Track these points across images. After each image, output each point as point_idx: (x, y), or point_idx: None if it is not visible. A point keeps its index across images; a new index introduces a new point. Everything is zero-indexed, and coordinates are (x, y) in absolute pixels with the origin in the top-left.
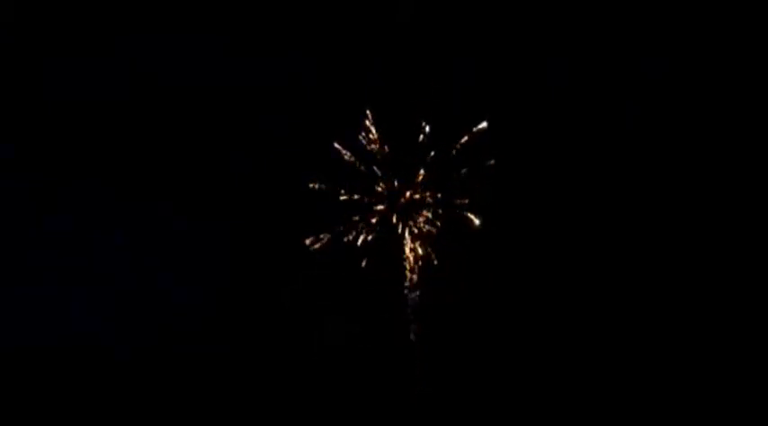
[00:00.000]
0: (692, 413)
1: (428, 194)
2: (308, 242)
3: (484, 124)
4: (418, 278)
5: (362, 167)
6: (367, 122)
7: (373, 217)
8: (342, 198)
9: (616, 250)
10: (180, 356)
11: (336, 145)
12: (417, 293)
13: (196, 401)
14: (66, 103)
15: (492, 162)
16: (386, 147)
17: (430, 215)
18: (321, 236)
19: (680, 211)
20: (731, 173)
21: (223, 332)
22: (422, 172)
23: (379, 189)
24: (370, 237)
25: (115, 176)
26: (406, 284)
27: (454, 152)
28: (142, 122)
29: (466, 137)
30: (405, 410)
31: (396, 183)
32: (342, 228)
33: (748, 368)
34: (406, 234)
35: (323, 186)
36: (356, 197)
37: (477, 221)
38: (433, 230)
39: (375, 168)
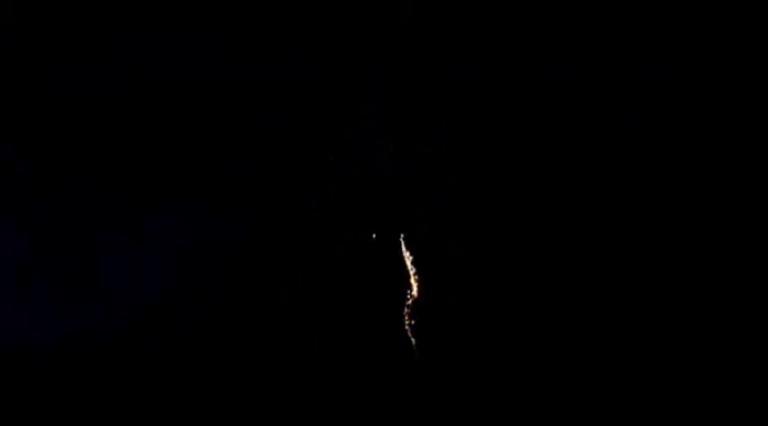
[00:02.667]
0: (692, 413)
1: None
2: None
3: None
4: (418, 277)
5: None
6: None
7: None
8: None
9: (617, 250)
10: (180, 356)
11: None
12: (417, 294)
13: (196, 401)
14: (66, 103)
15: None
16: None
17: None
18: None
19: (680, 211)
20: (732, 173)
21: (223, 332)
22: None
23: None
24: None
25: (115, 176)
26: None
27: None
28: (142, 122)
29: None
30: (405, 410)
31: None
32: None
33: (748, 368)
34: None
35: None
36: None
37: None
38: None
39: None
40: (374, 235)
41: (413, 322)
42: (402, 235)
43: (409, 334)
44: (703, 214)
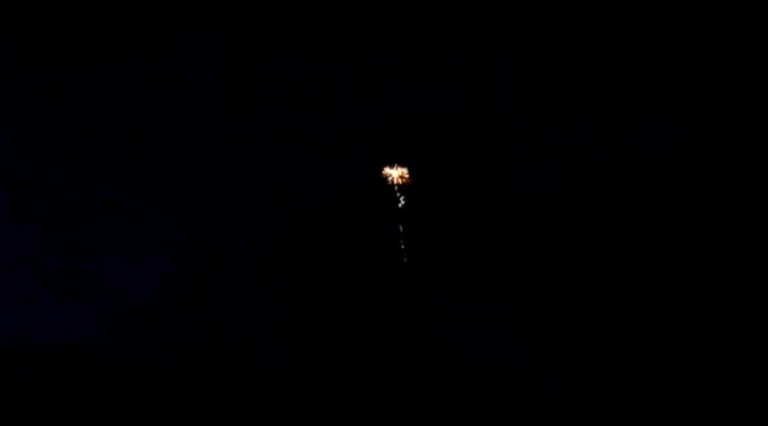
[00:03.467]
0: (692, 413)
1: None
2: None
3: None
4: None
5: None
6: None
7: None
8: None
9: (617, 250)
10: (178, 355)
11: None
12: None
13: (197, 401)
14: (71, 104)
15: None
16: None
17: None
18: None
19: (681, 212)
20: (733, 174)
21: (223, 331)
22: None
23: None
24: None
25: (115, 176)
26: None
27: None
28: (142, 122)
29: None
30: (407, 411)
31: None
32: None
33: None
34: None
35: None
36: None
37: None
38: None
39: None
40: (378, 234)
41: (413, 322)
42: (404, 235)
43: (410, 332)
44: (703, 214)
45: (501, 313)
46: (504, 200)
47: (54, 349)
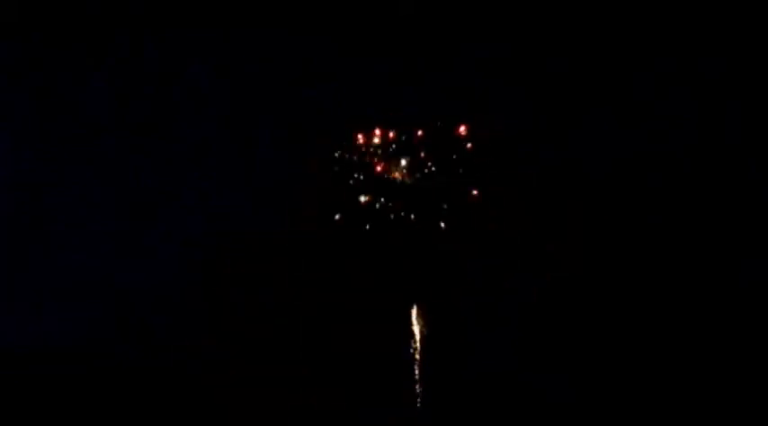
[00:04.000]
0: (693, 413)
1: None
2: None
3: None
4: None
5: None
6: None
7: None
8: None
9: (619, 251)
10: (176, 354)
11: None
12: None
13: (195, 401)
14: (68, 102)
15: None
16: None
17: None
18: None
19: (683, 214)
20: (733, 175)
21: (222, 333)
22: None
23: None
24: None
25: (116, 177)
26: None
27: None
28: (142, 122)
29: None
30: (408, 412)
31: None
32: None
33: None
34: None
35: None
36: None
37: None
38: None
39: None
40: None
41: (413, 321)
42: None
43: (413, 336)
44: (705, 214)
45: None
46: None
47: (54, 347)
